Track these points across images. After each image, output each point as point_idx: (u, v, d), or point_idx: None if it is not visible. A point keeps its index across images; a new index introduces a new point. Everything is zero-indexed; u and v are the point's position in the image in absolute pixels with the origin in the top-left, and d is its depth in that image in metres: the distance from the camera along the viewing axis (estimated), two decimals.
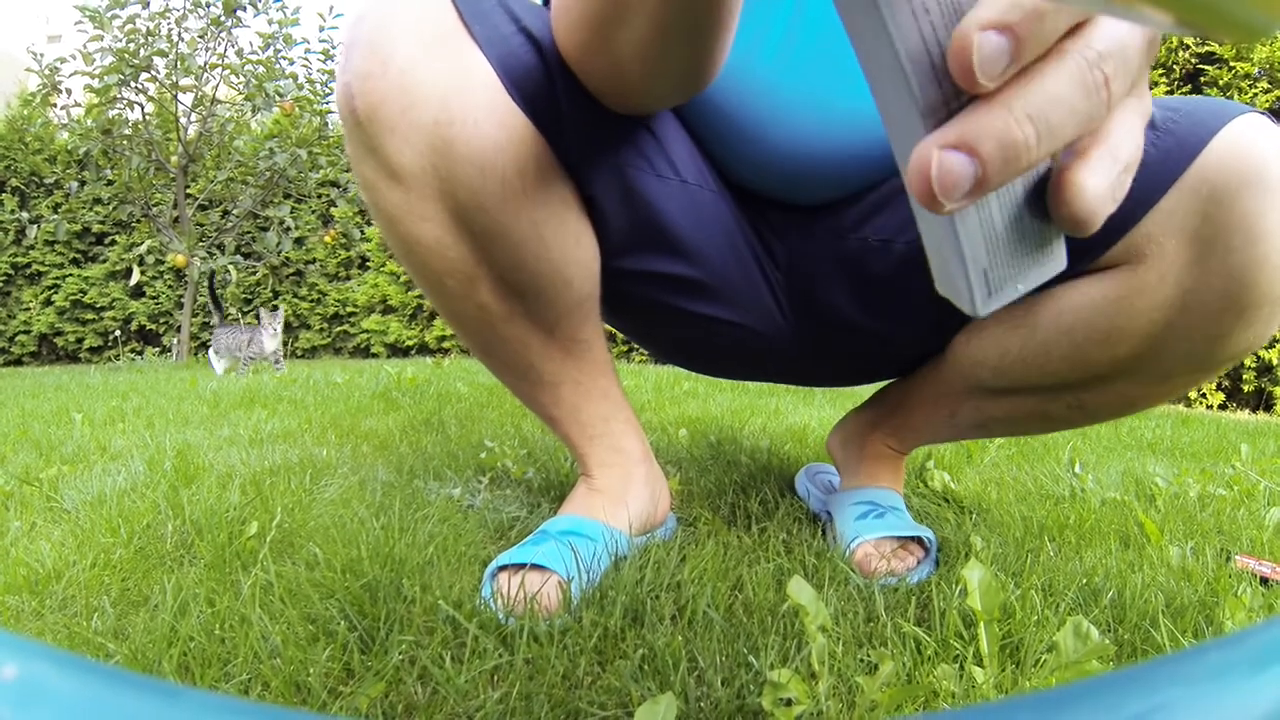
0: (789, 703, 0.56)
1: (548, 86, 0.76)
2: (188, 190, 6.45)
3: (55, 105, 6.10)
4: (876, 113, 0.89)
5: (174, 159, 6.10)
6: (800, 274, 0.95)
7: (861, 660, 0.66)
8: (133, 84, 5.66)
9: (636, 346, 5.70)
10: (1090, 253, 0.78)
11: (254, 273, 7.38)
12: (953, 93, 0.28)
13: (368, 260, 7.48)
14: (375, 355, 7.17)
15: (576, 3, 0.66)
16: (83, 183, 6.82)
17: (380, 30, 0.72)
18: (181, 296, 7.25)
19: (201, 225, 6.73)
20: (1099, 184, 0.30)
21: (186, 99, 6.02)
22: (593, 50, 0.68)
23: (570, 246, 0.83)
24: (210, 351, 4.94)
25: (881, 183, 0.90)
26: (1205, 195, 0.71)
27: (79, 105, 5.96)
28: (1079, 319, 0.80)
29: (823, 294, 0.94)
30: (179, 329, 6.62)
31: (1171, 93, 4.38)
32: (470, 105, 0.73)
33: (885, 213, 0.89)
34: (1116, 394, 0.84)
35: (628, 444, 0.95)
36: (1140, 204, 0.74)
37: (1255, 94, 4.14)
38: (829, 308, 0.95)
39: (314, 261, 7.68)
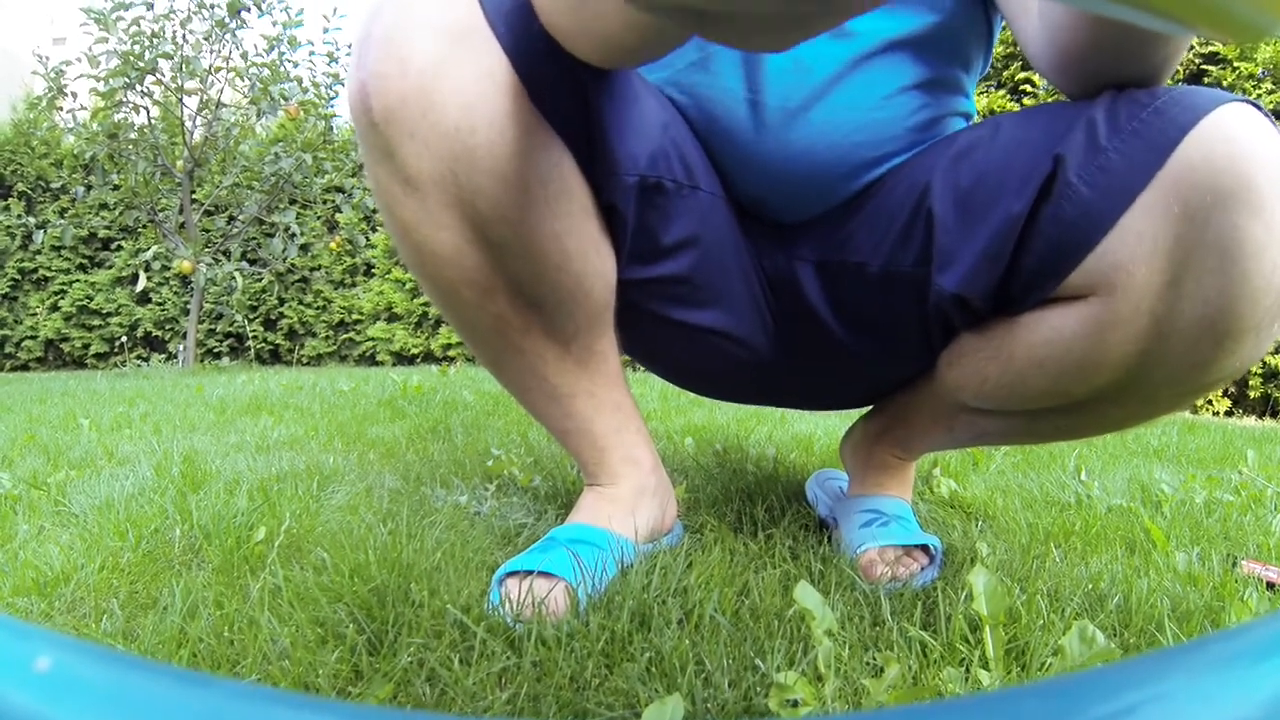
0: (795, 704, 0.57)
1: (573, 96, 0.74)
2: (193, 195, 6.47)
3: (61, 109, 6.12)
4: (851, 120, 0.85)
5: (180, 163, 6.12)
6: (784, 293, 0.95)
7: (867, 663, 0.66)
8: (138, 87, 5.67)
9: None
10: (1052, 277, 0.73)
11: (259, 279, 7.39)
12: None
13: (373, 267, 7.49)
14: (381, 363, 7.18)
15: None
16: (89, 187, 6.84)
17: (398, 26, 0.69)
18: (188, 303, 7.27)
19: (207, 231, 6.76)
20: None
21: (192, 102, 6.04)
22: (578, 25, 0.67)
23: (592, 257, 0.82)
24: None
25: (858, 203, 0.89)
26: (1178, 214, 0.64)
27: (84, 109, 5.98)
28: (1051, 353, 0.75)
29: (805, 315, 0.94)
30: (185, 335, 6.63)
31: None
32: (494, 112, 0.71)
33: (861, 235, 0.88)
34: (1101, 415, 0.81)
35: (639, 454, 0.95)
36: (1102, 220, 0.68)
37: (1260, 95, 4.14)
38: (813, 330, 0.95)
39: (319, 269, 7.69)
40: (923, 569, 0.89)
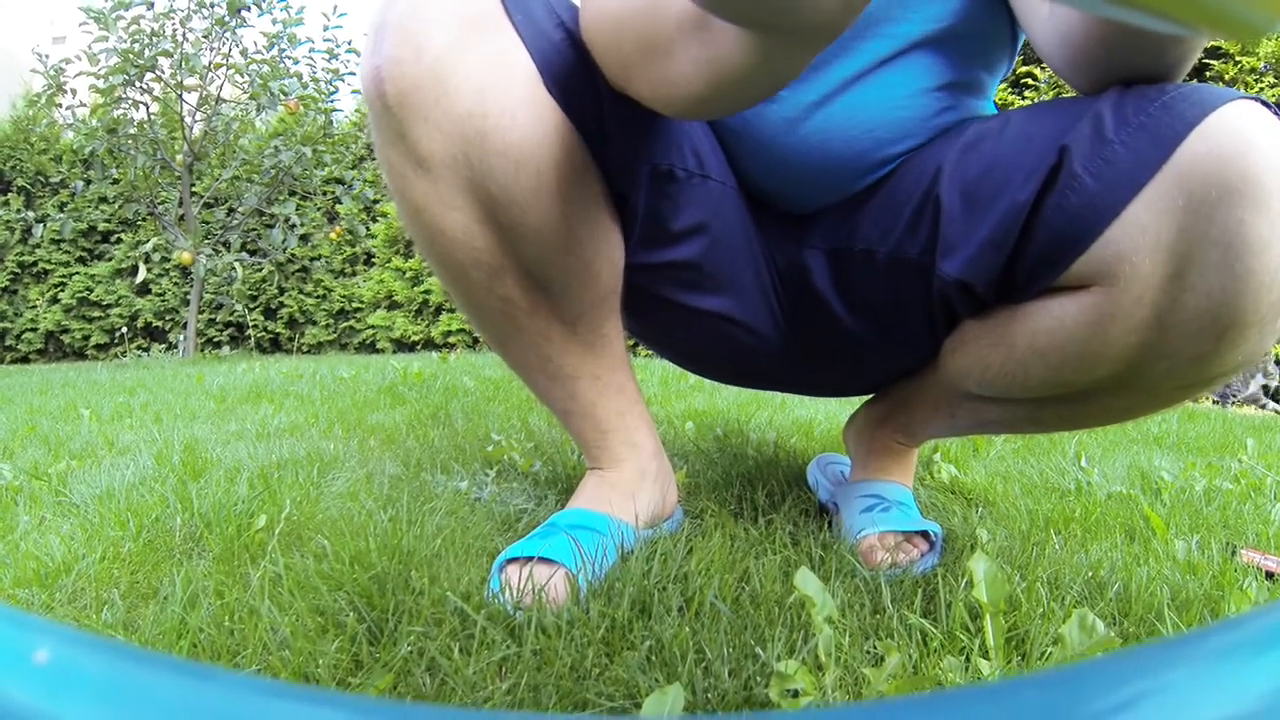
0: (796, 694, 0.57)
1: (587, 84, 0.75)
2: (193, 188, 6.45)
3: (60, 105, 6.10)
4: (872, 117, 0.85)
5: (179, 158, 6.11)
6: (793, 281, 0.95)
7: (868, 652, 0.66)
8: (138, 84, 5.65)
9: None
10: (1055, 266, 0.72)
11: (259, 269, 7.38)
12: None
13: (373, 256, 7.48)
14: (381, 350, 7.17)
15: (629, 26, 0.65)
16: (88, 182, 6.82)
17: (414, 14, 0.71)
18: (188, 293, 7.26)
19: (207, 223, 6.75)
20: None
21: (191, 98, 6.02)
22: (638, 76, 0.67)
23: (600, 242, 0.83)
24: None
25: (869, 192, 0.88)
26: (1182, 207, 0.63)
27: (84, 105, 5.97)
28: (1053, 342, 0.75)
29: (813, 302, 0.94)
30: (185, 325, 6.63)
31: None
32: (508, 98, 0.72)
33: (870, 222, 0.88)
34: (1103, 406, 0.81)
35: (640, 438, 0.95)
36: (1106, 211, 0.68)
37: (1261, 89, 4.13)
38: (820, 317, 0.95)
39: (319, 258, 7.68)
40: (923, 555, 0.89)
